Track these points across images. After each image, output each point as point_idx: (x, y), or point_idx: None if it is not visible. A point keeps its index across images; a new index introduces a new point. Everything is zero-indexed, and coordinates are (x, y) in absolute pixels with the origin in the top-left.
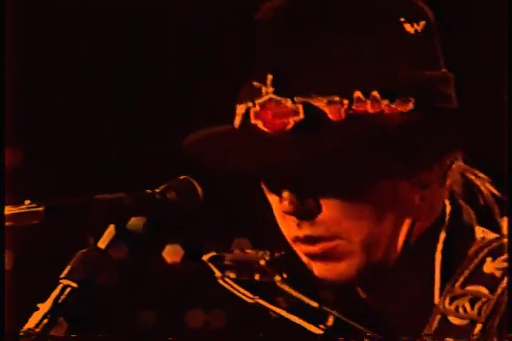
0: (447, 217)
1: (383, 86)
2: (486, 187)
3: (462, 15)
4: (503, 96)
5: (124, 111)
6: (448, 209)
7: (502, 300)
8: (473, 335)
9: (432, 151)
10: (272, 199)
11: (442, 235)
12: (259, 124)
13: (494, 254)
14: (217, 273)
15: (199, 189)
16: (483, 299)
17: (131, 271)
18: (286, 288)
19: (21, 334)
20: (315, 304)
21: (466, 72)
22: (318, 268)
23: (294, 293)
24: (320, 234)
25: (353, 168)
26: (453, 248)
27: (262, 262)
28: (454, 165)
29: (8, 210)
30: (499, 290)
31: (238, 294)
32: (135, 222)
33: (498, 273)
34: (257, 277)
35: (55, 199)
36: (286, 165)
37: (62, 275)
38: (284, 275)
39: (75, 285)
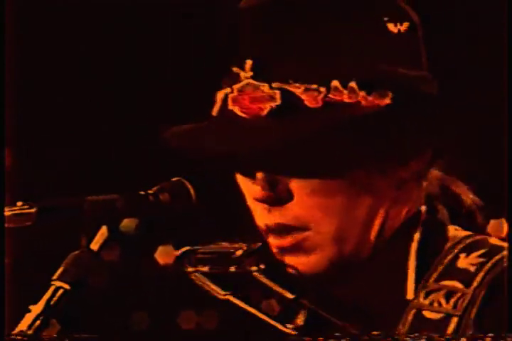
0: (422, 217)
1: (361, 78)
2: (467, 195)
3: (462, 15)
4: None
5: (122, 112)
6: (423, 209)
7: (478, 293)
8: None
9: (406, 147)
10: (245, 187)
11: (417, 235)
12: (236, 110)
13: (467, 250)
14: (189, 268)
15: (192, 191)
16: (459, 293)
17: (124, 272)
18: (262, 278)
19: (13, 336)
20: (290, 296)
21: (466, 72)
22: (289, 262)
23: (270, 284)
24: (290, 223)
25: (327, 153)
26: (427, 246)
27: (239, 253)
28: (433, 172)
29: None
30: (475, 284)
31: (209, 290)
32: (128, 223)
33: (472, 268)
34: (232, 269)
35: (48, 200)
36: (260, 146)
37: (55, 277)
38: (261, 266)
39: (67, 286)
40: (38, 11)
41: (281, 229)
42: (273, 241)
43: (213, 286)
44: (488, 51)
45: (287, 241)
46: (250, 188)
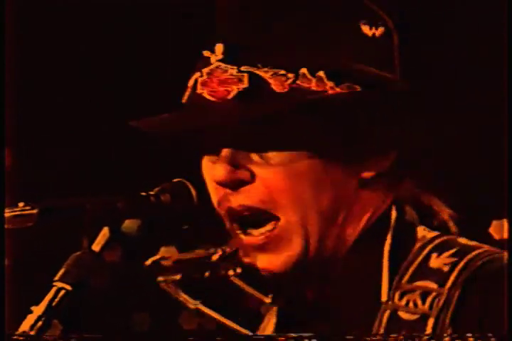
0: (392, 220)
1: (330, 70)
2: (440, 207)
3: (462, 15)
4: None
5: (122, 112)
6: (393, 213)
7: (452, 294)
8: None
9: (367, 141)
10: (208, 171)
11: (389, 237)
12: (205, 93)
13: (439, 250)
14: (160, 278)
15: (193, 191)
16: (434, 293)
17: (125, 273)
18: (239, 282)
19: (15, 337)
20: (267, 300)
21: (466, 72)
22: (261, 260)
23: (247, 288)
24: (254, 205)
25: (290, 135)
26: (397, 248)
27: (215, 257)
28: (406, 183)
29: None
30: (449, 284)
31: (180, 299)
32: (129, 224)
33: (445, 268)
34: (207, 274)
35: (49, 201)
36: (224, 124)
37: (56, 278)
38: (238, 270)
39: (69, 287)
40: (38, 11)
41: (247, 213)
42: (245, 239)
43: (184, 296)
44: (488, 51)
45: (259, 238)
46: (213, 170)
